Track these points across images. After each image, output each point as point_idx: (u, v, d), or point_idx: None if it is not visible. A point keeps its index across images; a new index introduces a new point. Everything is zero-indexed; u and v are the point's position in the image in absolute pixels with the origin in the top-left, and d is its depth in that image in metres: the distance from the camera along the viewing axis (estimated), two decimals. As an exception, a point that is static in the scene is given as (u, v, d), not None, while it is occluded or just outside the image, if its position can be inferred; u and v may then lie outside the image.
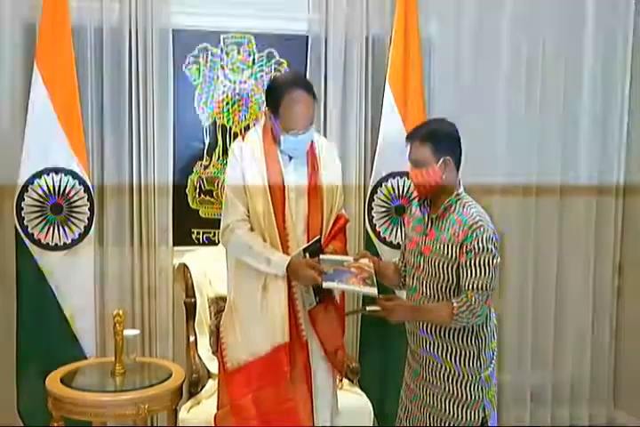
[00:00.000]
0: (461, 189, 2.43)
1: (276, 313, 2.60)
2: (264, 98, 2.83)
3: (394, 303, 2.32)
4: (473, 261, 2.29)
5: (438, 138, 2.38)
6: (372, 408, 3.20)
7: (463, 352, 2.38)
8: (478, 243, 2.29)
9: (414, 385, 2.51)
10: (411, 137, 2.43)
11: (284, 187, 2.62)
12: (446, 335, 2.39)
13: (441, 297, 2.38)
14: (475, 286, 2.29)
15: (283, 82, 2.66)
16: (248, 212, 2.63)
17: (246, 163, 2.65)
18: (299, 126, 2.57)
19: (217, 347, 2.86)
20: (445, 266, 2.35)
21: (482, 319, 2.34)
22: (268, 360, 2.59)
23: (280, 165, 2.65)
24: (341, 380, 2.93)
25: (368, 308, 2.32)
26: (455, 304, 2.29)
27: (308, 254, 2.58)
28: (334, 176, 2.74)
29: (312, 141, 2.71)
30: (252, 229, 2.64)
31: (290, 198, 2.63)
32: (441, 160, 2.36)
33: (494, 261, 2.30)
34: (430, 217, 2.43)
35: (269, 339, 2.59)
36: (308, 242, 2.62)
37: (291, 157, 2.68)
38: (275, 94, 2.60)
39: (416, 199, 2.58)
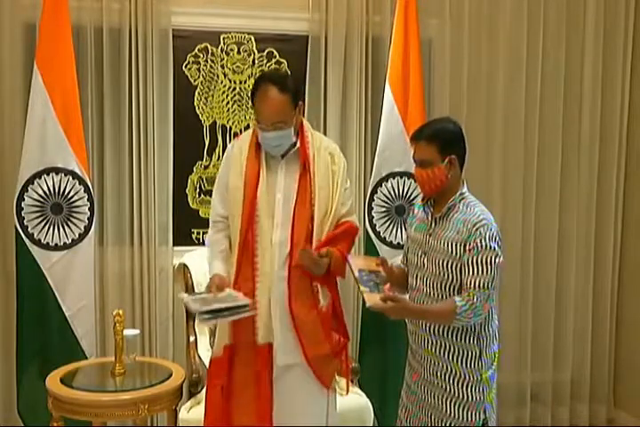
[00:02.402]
0: (465, 188, 2.43)
1: None
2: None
3: (395, 305, 2.30)
4: (475, 259, 2.29)
5: (444, 137, 2.38)
6: (371, 408, 3.20)
7: (464, 352, 2.38)
8: (481, 241, 2.29)
9: (415, 385, 2.50)
10: (416, 137, 2.42)
11: (256, 186, 2.59)
12: (448, 335, 2.38)
13: (445, 296, 2.37)
14: (476, 284, 2.29)
15: (259, 77, 2.69)
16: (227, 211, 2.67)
17: (232, 162, 2.66)
18: (265, 121, 2.57)
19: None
20: (450, 265, 2.35)
21: (482, 318, 2.34)
22: (222, 359, 2.63)
23: (259, 164, 2.62)
24: (329, 389, 2.72)
25: (368, 304, 2.31)
26: (458, 303, 2.28)
27: None
28: (333, 176, 2.68)
29: (306, 140, 2.67)
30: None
31: (277, 199, 2.61)
32: (447, 159, 2.36)
33: (497, 259, 2.30)
34: (434, 217, 2.43)
35: (224, 339, 2.63)
36: (292, 242, 2.58)
37: (282, 156, 2.66)
38: (251, 91, 2.64)
39: (418, 200, 2.58)
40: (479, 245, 2.29)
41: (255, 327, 2.58)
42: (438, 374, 2.41)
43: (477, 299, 2.28)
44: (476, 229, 2.30)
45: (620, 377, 4.29)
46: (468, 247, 2.30)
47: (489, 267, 2.29)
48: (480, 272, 2.29)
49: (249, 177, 2.61)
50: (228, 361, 2.61)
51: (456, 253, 2.33)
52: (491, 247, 2.30)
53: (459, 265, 2.33)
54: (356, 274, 2.41)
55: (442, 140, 2.36)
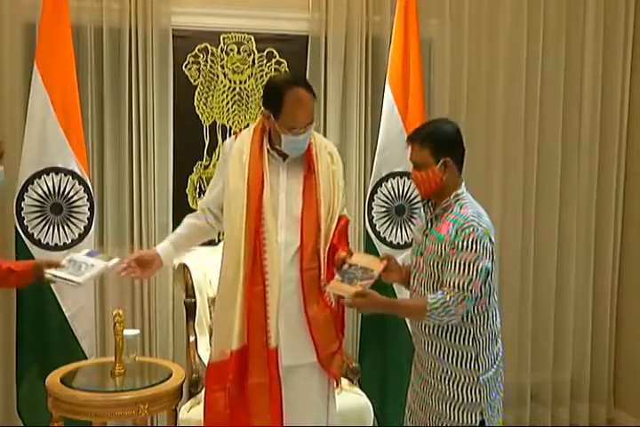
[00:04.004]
0: (461, 190, 2.42)
1: (230, 317, 2.56)
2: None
3: (364, 300, 2.29)
4: (454, 259, 2.27)
5: (438, 140, 2.37)
6: (371, 408, 3.20)
7: (459, 354, 2.36)
8: (463, 241, 2.27)
9: (417, 385, 2.50)
10: (411, 139, 2.42)
11: (262, 188, 2.57)
12: (442, 336, 2.37)
13: None
14: (451, 283, 2.26)
15: (283, 81, 2.62)
16: (218, 205, 2.70)
17: (230, 163, 2.63)
18: (301, 125, 2.53)
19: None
20: (439, 266, 2.33)
21: (457, 319, 2.30)
22: (226, 364, 2.58)
23: (262, 166, 2.60)
24: (338, 385, 2.83)
25: (328, 288, 2.40)
26: (429, 300, 2.26)
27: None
28: (334, 176, 2.68)
29: (310, 142, 2.65)
30: (209, 223, 2.75)
31: (280, 199, 2.60)
32: (440, 162, 2.35)
33: (477, 262, 2.26)
34: (431, 218, 2.43)
35: (226, 343, 2.57)
36: (302, 243, 2.56)
37: (285, 158, 2.64)
38: (275, 94, 2.55)
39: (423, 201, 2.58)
40: (459, 245, 2.27)
41: (267, 331, 2.56)
42: (435, 375, 2.40)
43: (451, 299, 2.25)
44: (462, 231, 2.28)
45: (620, 377, 4.29)
46: (450, 247, 2.30)
47: (467, 268, 2.26)
48: (457, 272, 2.26)
49: (253, 179, 2.58)
50: (237, 366, 2.56)
51: (444, 254, 2.32)
52: (472, 249, 2.26)
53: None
54: (344, 266, 2.42)
55: (435, 142, 2.35)
